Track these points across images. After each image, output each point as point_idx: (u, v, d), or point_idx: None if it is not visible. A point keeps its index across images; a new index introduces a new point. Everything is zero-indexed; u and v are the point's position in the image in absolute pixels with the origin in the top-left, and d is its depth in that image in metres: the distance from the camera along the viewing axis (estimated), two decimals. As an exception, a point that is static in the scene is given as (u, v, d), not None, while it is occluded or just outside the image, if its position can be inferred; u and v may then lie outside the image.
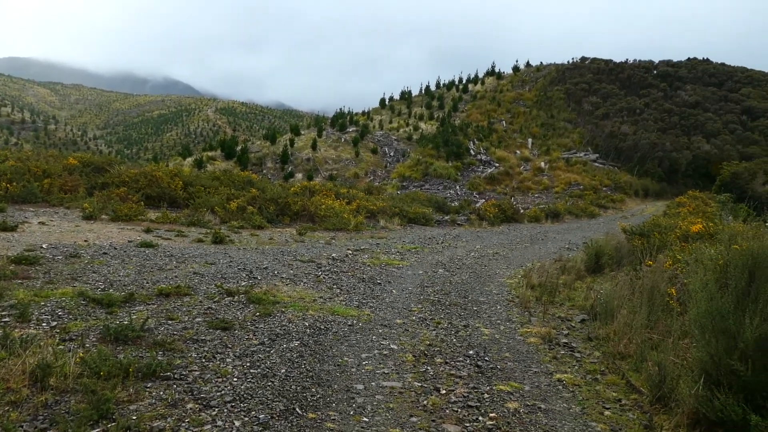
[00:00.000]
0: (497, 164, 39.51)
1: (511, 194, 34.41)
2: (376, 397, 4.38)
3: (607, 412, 4.49)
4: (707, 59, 66.55)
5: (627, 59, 66.69)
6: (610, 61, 66.04)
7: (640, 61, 66.26)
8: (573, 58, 69.43)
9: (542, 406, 4.50)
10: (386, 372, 4.92)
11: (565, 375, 5.29)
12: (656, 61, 66.01)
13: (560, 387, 4.98)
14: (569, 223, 24.32)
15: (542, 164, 40.40)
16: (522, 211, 25.90)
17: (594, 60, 67.20)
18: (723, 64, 66.01)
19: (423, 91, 64.08)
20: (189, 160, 38.41)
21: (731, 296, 4.06)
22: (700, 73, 61.83)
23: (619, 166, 43.63)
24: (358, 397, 4.35)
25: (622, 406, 4.65)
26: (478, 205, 26.67)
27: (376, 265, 10.09)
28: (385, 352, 5.45)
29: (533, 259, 12.80)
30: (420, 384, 4.70)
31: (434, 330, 6.40)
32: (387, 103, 59.05)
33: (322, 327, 6.05)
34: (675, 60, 66.01)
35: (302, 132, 45.92)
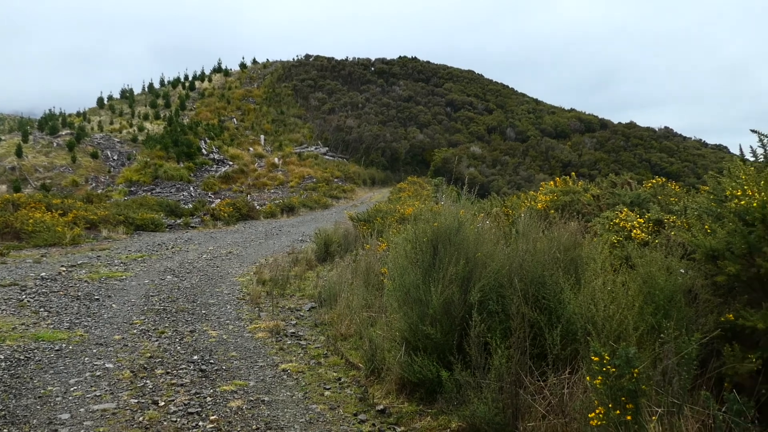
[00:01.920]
0: (231, 162, 39.03)
1: (247, 192, 34.31)
2: (85, 423, 4.01)
3: (327, 393, 4.73)
4: (415, 57, 73.64)
5: (347, 57, 70.77)
6: (333, 58, 69.41)
7: (359, 58, 70.74)
8: (298, 56, 71.50)
9: (266, 398, 4.57)
10: (98, 394, 4.54)
11: (290, 364, 5.44)
12: (373, 58, 71.13)
13: (285, 376, 5.12)
14: (304, 216, 25.09)
15: (276, 160, 40.98)
16: (258, 207, 26.00)
17: (318, 57, 70.00)
18: (429, 62, 73.70)
19: (146, 89, 60.32)
20: None
21: (419, 269, 4.55)
22: (411, 70, 68.29)
23: (347, 158, 46.22)
24: (62, 428, 3.94)
25: (342, 384, 4.95)
26: (213, 205, 26.08)
27: (94, 280, 9.25)
28: (98, 373, 5.03)
29: (267, 254, 12.94)
30: (137, 401, 4.43)
31: (157, 340, 6.10)
32: (106, 102, 54.32)
33: (22, 357, 5.36)
34: (389, 58, 71.82)
35: (3, 137, 40.05)
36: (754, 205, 3.15)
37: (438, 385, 4.27)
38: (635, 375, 2.88)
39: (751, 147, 4.11)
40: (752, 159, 4.08)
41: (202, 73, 64.98)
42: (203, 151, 39.68)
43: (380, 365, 4.92)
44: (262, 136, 46.74)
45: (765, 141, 3.83)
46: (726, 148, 61.06)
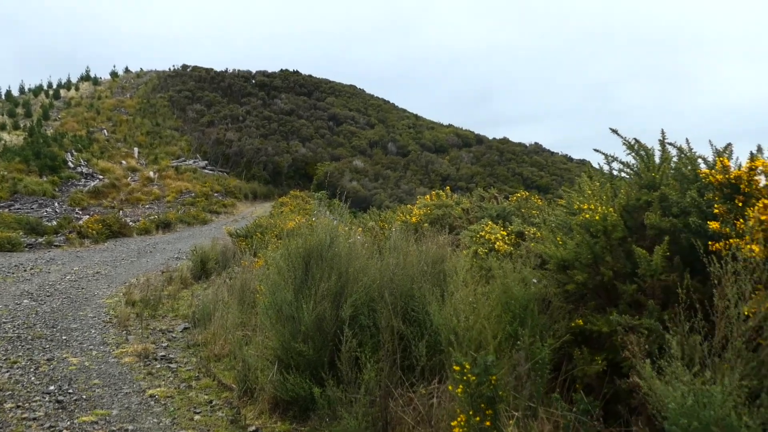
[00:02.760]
0: (101, 176, 36.82)
1: (120, 207, 32.51)
2: None
3: (197, 417, 4.56)
4: (297, 71, 73.44)
5: (227, 68, 69.19)
6: (212, 69, 67.64)
7: (239, 70, 69.41)
8: (174, 66, 68.96)
9: (130, 427, 4.32)
10: (-66, 436, 4.11)
11: (159, 389, 5.20)
12: (254, 71, 70.11)
13: (152, 402, 4.88)
14: (181, 232, 24.17)
15: (151, 174, 39.19)
16: (131, 224, 24.73)
17: (195, 68, 67.96)
18: (311, 76, 73.73)
19: (3, 97, 55.67)
20: None
21: (291, 286, 4.52)
22: (293, 84, 68.00)
23: (228, 172, 45.11)
24: None
25: (213, 407, 4.79)
26: (80, 222, 24.48)
27: (-64, 308, 8.37)
28: (-65, 412, 4.54)
29: (139, 273, 12.31)
30: (-20, 440, 4.05)
31: (8, 372, 5.60)
32: (-45, 110, 49.55)
33: None
34: (270, 71, 71.12)
35: None
36: (596, 218, 3.42)
37: (311, 403, 4.24)
38: (493, 382, 3.02)
39: (598, 164, 4.47)
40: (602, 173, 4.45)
41: (68, 81, 61.03)
42: (70, 164, 37.16)
43: (253, 385, 4.82)
44: (136, 149, 44.55)
45: (609, 159, 4.18)
46: (589, 162, 65.72)
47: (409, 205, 11.82)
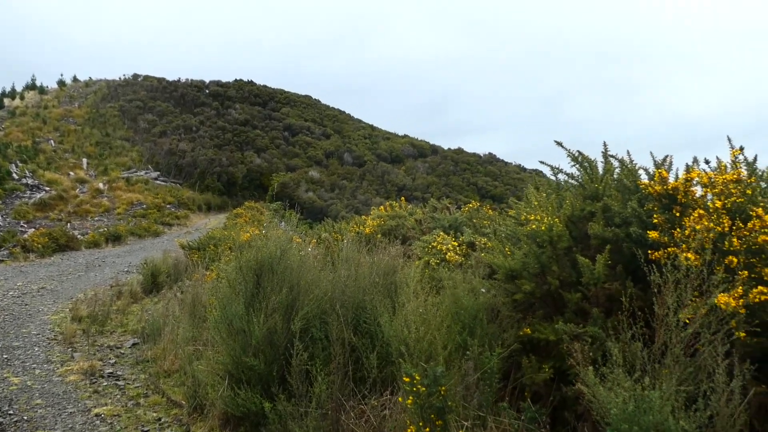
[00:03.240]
0: (48, 188, 35.67)
1: (68, 220, 31.53)
2: None
3: (145, 436, 4.45)
4: (252, 81, 72.81)
5: (180, 78, 68.16)
6: (164, 79, 66.52)
7: (192, 80, 68.43)
8: (125, 75, 67.48)
9: (73, 448, 4.19)
10: None
11: (105, 408, 5.05)
12: (207, 80, 69.22)
13: (98, 422, 4.73)
14: (132, 245, 23.62)
15: (101, 185, 38.16)
16: (79, 237, 24.02)
17: (147, 77, 66.73)
18: (265, 86, 73.22)
19: (-57, 107, 53.51)
20: None
21: (242, 299, 4.46)
22: (247, 94, 67.42)
23: (181, 183, 44.33)
24: None
25: (162, 425, 4.68)
26: (25, 235, 23.68)
27: None
28: None
29: (86, 288, 11.96)
30: None
31: (-56, 393, 5.37)
32: None
33: None
34: (224, 80, 70.36)
35: None
36: (543, 228, 3.49)
37: (262, 418, 4.18)
38: (443, 392, 3.04)
39: (546, 175, 4.57)
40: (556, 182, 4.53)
41: (13, 89, 59.03)
42: (14, 175, 35.88)
43: (204, 401, 4.73)
44: (85, 160, 43.36)
45: (555, 170, 4.28)
46: (542, 172, 66.96)
47: (363, 216, 11.83)
